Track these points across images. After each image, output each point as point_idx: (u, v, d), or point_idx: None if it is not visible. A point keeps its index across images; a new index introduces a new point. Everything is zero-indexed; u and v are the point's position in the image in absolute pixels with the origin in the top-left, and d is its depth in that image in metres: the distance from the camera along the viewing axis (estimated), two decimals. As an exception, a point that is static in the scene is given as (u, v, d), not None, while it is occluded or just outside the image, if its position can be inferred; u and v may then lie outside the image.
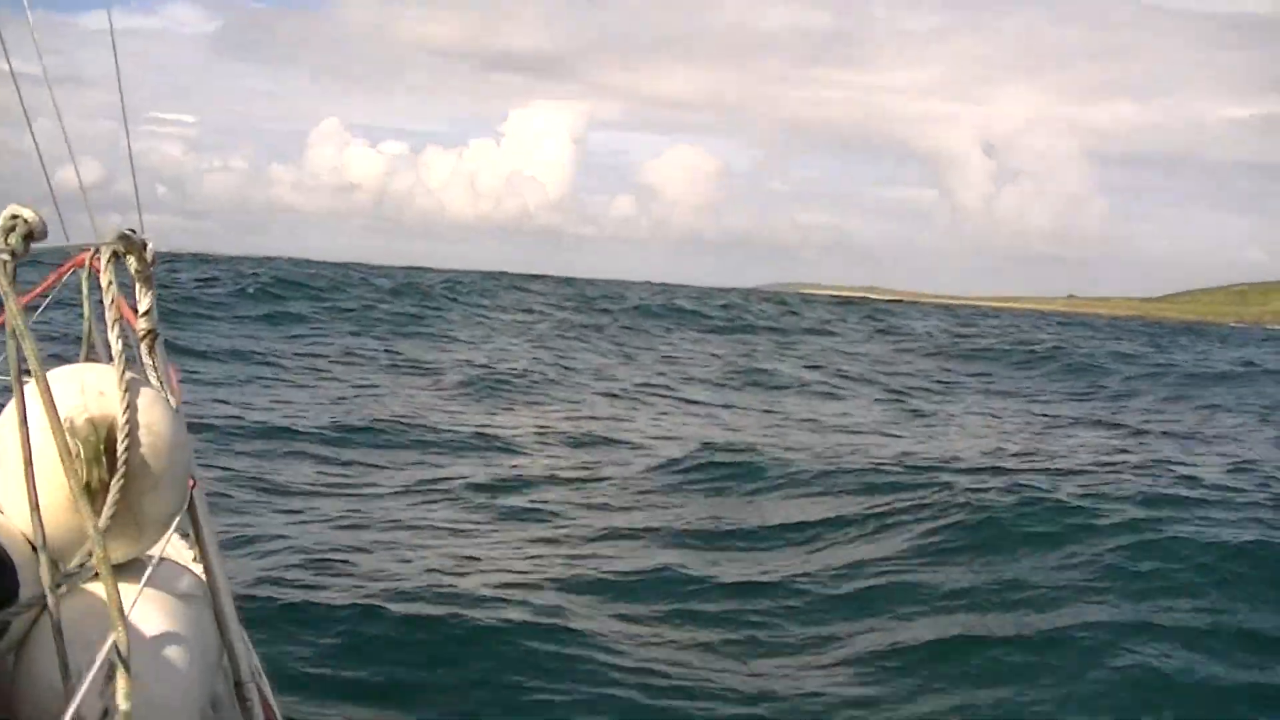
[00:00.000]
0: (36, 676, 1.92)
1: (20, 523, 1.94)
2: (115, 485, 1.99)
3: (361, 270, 76.51)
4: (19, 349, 1.66)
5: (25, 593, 1.92)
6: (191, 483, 2.38)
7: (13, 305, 1.64)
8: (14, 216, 1.67)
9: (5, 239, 1.67)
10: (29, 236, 1.67)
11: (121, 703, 1.62)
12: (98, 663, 1.78)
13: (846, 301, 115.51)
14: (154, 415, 2.12)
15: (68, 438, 1.90)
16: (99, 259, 2.27)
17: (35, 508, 1.75)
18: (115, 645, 1.64)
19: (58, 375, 2.10)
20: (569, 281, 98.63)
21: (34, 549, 1.79)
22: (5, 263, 1.65)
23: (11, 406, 1.89)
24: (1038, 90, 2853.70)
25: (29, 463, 1.71)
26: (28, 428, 1.72)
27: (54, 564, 1.89)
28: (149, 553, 2.38)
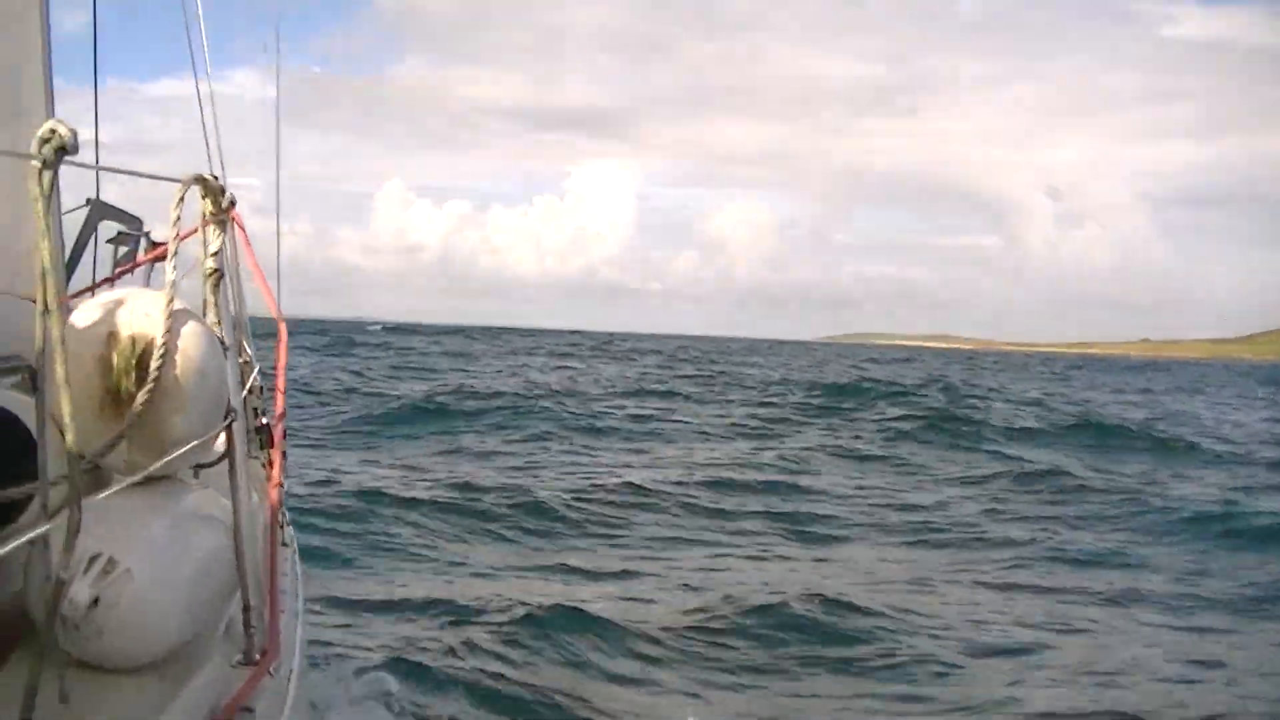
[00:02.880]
0: (44, 564, 1.96)
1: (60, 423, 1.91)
2: (142, 396, 2.19)
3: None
4: (48, 258, 1.74)
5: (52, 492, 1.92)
6: (230, 415, 2.52)
7: (41, 209, 1.72)
8: (52, 130, 1.70)
9: (39, 149, 1.71)
10: (62, 150, 1.70)
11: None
12: (83, 555, 2.06)
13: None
14: (191, 343, 2.30)
15: (107, 348, 2.21)
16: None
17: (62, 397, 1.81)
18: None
19: (114, 294, 2.37)
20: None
21: (62, 437, 1.82)
22: (39, 170, 1.71)
23: (78, 313, 2.21)
24: (1096, 134, 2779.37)
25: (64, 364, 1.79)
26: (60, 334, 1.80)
27: (76, 456, 1.96)
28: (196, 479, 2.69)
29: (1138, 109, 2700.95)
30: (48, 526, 1.76)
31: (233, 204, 2.57)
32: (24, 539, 1.76)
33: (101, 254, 4.63)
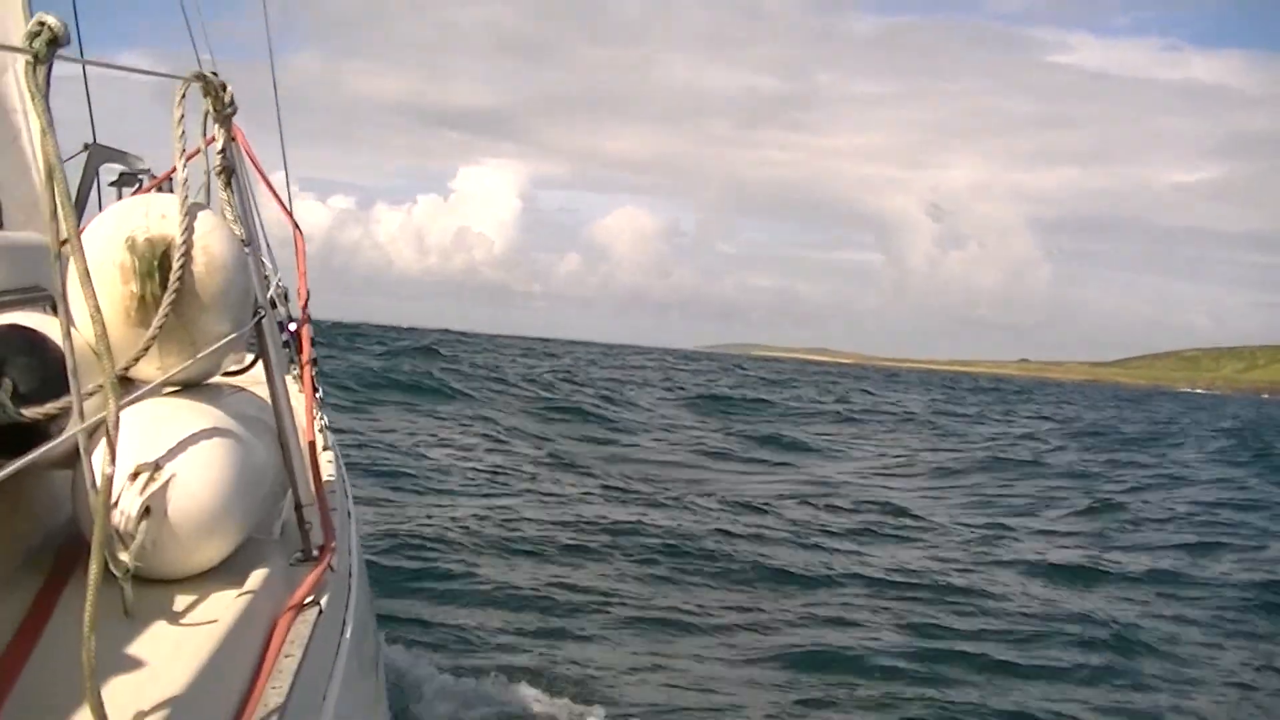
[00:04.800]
0: (88, 479, 1.85)
1: (87, 334, 1.81)
2: (167, 299, 2.14)
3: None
4: (53, 153, 1.60)
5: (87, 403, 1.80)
6: (259, 312, 2.50)
7: (40, 105, 1.59)
8: (40, 23, 1.59)
9: (30, 44, 1.58)
10: (53, 42, 1.59)
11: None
12: (131, 466, 2.02)
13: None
14: (212, 240, 2.25)
15: (127, 254, 2.15)
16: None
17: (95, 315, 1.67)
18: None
19: (129, 202, 2.36)
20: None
21: (94, 354, 1.71)
22: (33, 65, 1.57)
23: (93, 224, 2.17)
24: (984, 156, 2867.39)
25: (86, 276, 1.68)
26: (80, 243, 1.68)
27: (109, 362, 1.88)
28: (229, 379, 2.68)
29: (1027, 134, 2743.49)
30: (81, 427, 1.68)
31: (234, 108, 2.46)
32: (57, 442, 1.77)
33: (106, 199, 4.82)
